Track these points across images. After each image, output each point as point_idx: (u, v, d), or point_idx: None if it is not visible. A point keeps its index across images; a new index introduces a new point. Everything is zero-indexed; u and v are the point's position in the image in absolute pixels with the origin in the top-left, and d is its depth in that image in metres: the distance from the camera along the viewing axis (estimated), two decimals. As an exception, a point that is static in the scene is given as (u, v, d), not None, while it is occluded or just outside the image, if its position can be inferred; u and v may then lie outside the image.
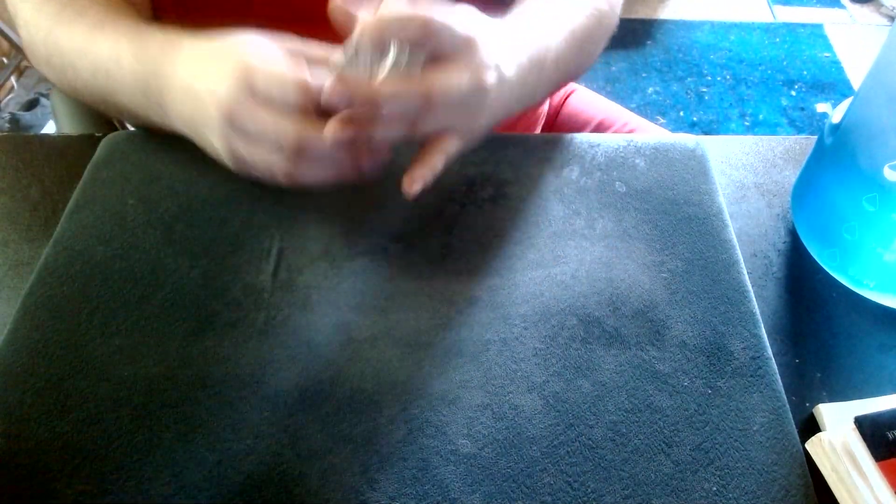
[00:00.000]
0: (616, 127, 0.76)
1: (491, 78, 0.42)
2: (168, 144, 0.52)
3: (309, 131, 0.39)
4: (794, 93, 1.93)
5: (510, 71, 0.44)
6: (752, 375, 0.40)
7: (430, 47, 0.40)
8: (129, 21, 0.49)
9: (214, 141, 0.42)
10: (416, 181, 0.43)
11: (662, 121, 1.85)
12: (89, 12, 0.50)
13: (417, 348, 0.41)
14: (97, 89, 0.50)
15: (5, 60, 1.81)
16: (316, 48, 0.43)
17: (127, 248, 0.46)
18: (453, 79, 0.40)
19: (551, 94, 0.51)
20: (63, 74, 0.52)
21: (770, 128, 1.82)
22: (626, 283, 0.45)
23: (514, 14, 0.50)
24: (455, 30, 0.40)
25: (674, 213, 0.49)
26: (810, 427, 0.39)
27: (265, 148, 0.40)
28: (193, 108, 0.42)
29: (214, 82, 0.40)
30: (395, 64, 0.40)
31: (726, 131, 1.81)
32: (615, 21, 0.58)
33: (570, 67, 0.53)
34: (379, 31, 0.39)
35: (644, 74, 1.99)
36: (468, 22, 0.42)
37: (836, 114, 0.46)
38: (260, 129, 0.39)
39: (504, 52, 0.44)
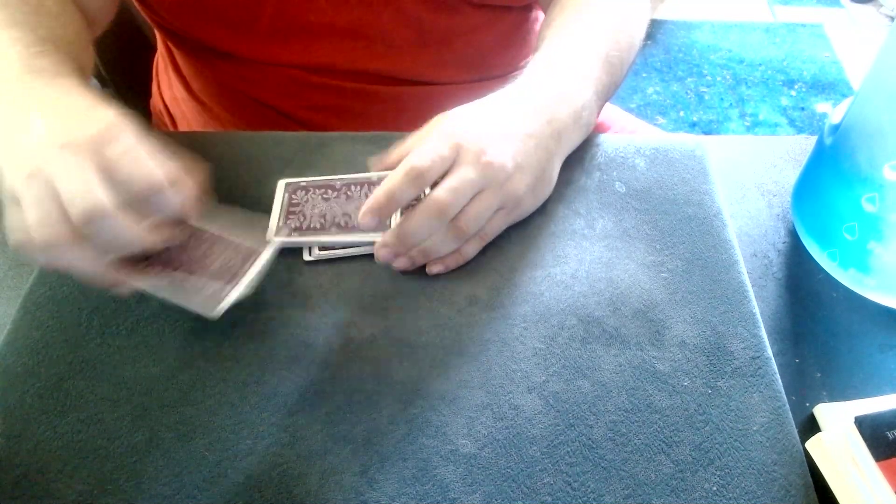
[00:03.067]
0: (614, 130, 0.76)
1: (491, 154, 0.43)
2: (166, 144, 0.52)
3: (115, 211, 0.35)
4: (794, 93, 1.93)
5: (520, 127, 0.45)
6: (752, 375, 0.40)
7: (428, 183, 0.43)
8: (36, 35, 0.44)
9: (49, 162, 0.36)
10: (437, 265, 0.45)
11: (662, 121, 1.85)
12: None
13: (417, 348, 0.41)
14: None
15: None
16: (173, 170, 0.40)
17: (127, 248, 0.46)
18: (452, 182, 0.42)
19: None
20: None
21: (770, 128, 1.82)
22: (626, 283, 0.45)
23: (548, 56, 0.50)
24: (439, 152, 0.42)
25: (673, 213, 0.49)
26: (810, 427, 0.39)
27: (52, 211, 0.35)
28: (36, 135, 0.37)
29: (107, 109, 0.38)
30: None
31: (726, 131, 1.81)
32: (642, 38, 0.58)
33: (608, 96, 0.53)
34: (386, 214, 0.43)
35: (644, 74, 1.99)
36: (445, 132, 0.44)
37: (836, 114, 0.46)
38: (76, 188, 0.35)
39: (502, 119, 0.46)
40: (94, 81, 0.77)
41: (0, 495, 0.35)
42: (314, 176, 0.49)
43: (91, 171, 0.35)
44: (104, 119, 0.37)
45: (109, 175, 0.36)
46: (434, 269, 0.45)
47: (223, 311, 0.40)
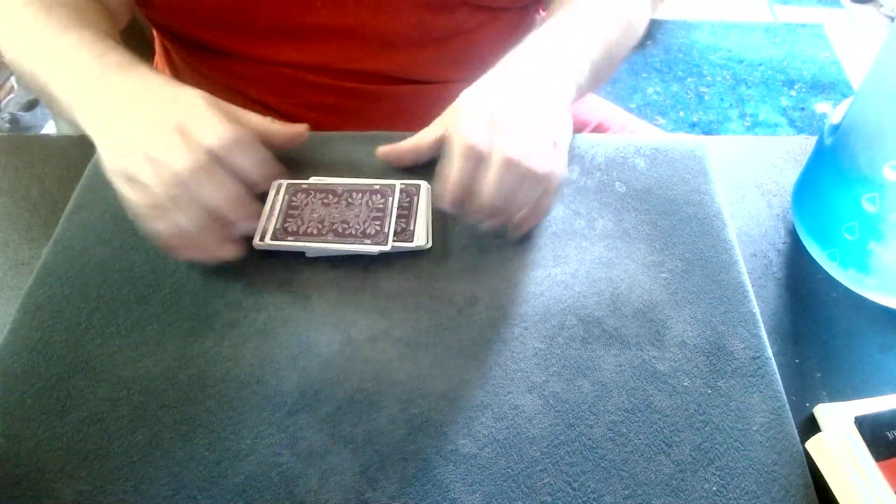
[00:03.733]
0: (614, 130, 0.76)
1: (520, 103, 0.43)
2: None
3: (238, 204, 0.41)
4: (794, 93, 1.93)
5: (525, 97, 0.45)
6: (752, 375, 0.40)
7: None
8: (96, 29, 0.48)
9: (148, 142, 0.40)
10: (522, 226, 0.46)
11: (662, 121, 1.85)
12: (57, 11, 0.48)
13: (417, 348, 0.41)
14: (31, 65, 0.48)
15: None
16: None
17: (127, 249, 0.46)
18: (506, 136, 0.42)
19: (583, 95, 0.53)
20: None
21: (770, 128, 1.82)
22: (626, 283, 0.45)
23: (548, 29, 0.51)
24: (480, 124, 0.43)
25: (673, 213, 0.49)
26: (810, 427, 0.39)
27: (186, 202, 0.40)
28: (149, 116, 0.42)
29: (189, 91, 0.43)
30: None
31: (726, 131, 1.81)
32: (643, 26, 0.59)
33: (603, 75, 0.54)
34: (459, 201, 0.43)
35: (644, 74, 1.99)
36: (474, 107, 0.44)
37: (836, 114, 0.46)
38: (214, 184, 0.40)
39: (511, 76, 0.46)
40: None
41: (0, 495, 0.35)
42: (314, 176, 0.49)
43: (179, 139, 0.40)
44: (190, 98, 0.42)
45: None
46: (522, 230, 0.46)
47: (392, 244, 0.44)
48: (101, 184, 0.51)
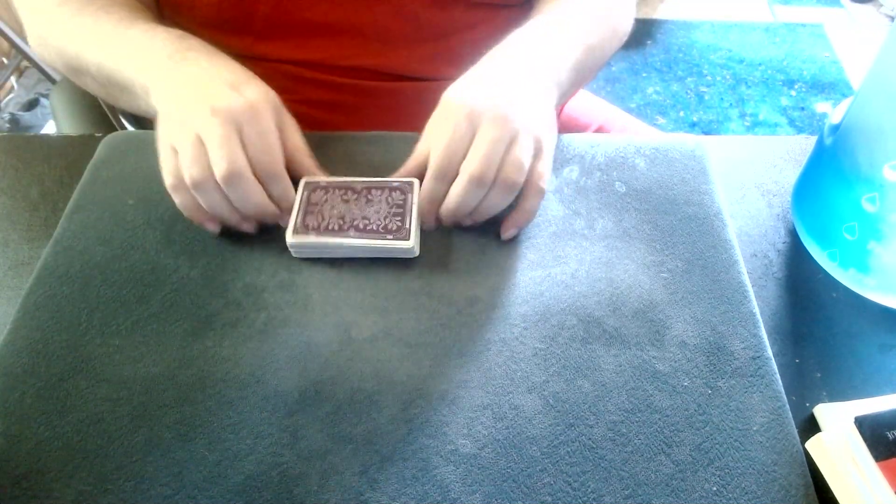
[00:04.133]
0: (614, 130, 0.76)
1: (505, 107, 0.44)
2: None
3: (249, 176, 0.43)
4: (794, 93, 1.93)
5: (517, 76, 0.47)
6: (752, 375, 0.40)
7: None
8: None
9: (202, 124, 0.43)
10: (510, 228, 0.47)
11: (662, 121, 1.85)
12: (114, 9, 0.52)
13: (417, 348, 0.41)
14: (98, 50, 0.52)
15: (5, 60, 1.80)
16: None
17: (127, 248, 0.46)
18: (479, 148, 0.44)
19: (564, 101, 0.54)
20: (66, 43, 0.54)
21: (770, 128, 1.82)
22: (626, 283, 0.45)
23: (531, 27, 0.52)
24: (456, 129, 0.44)
25: (673, 213, 0.49)
26: (810, 427, 0.39)
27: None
28: (212, 83, 0.45)
29: (255, 86, 0.46)
30: None
31: (726, 131, 1.81)
32: (627, 30, 0.60)
33: (585, 77, 0.55)
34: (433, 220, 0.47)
35: (644, 74, 1.99)
36: (453, 108, 0.45)
37: (836, 114, 0.46)
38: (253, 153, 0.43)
39: (498, 74, 0.47)
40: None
41: (0, 495, 0.35)
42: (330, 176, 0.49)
43: (234, 137, 0.42)
44: (250, 96, 0.44)
45: (244, 148, 0.43)
46: (509, 234, 0.47)
47: (418, 245, 0.46)
48: (101, 184, 0.51)
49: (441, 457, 0.37)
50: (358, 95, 0.64)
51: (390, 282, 0.45)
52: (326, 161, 0.52)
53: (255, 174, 0.43)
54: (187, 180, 0.42)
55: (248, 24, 0.58)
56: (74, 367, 0.40)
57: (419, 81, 0.65)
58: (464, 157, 0.44)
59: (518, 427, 0.38)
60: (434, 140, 0.46)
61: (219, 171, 0.41)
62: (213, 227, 0.46)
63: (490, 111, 0.44)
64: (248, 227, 0.47)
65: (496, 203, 0.45)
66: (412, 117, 0.49)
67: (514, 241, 0.47)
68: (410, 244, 0.45)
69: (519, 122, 0.44)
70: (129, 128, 0.82)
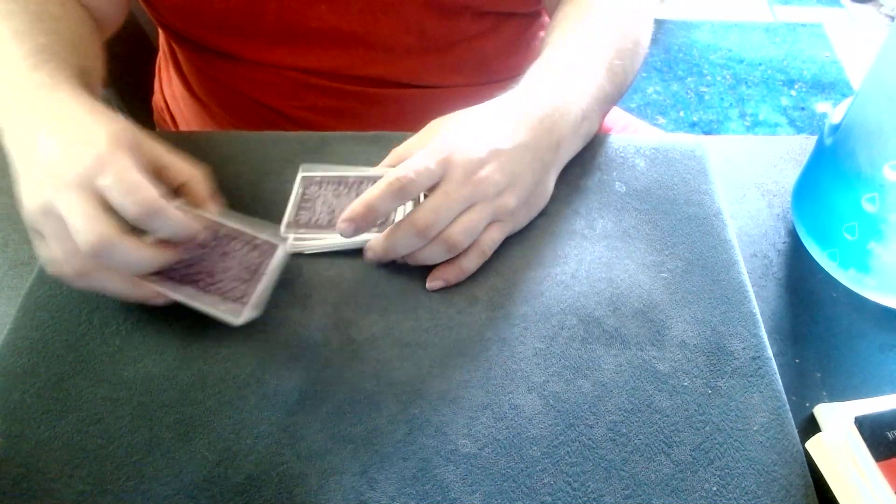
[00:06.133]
0: (614, 130, 0.76)
1: (483, 171, 0.43)
2: (167, 144, 0.52)
3: (120, 238, 0.36)
4: (794, 93, 1.93)
5: (517, 138, 0.45)
6: (752, 375, 0.40)
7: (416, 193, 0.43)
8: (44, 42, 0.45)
9: (56, 203, 0.37)
10: (436, 280, 0.44)
11: (662, 121, 1.85)
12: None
13: (417, 348, 0.41)
14: None
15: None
16: (179, 164, 0.43)
17: (127, 248, 0.46)
18: (435, 200, 0.42)
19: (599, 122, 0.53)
20: None
21: (770, 128, 1.82)
22: (626, 283, 0.45)
23: (549, 56, 0.50)
24: (426, 164, 0.42)
25: (673, 213, 0.49)
26: (810, 427, 0.39)
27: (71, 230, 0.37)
28: (70, 141, 0.39)
29: (104, 130, 0.39)
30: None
31: (726, 131, 1.81)
32: (648, 43, 0.57)
33: (613, 102, 0.53)
34: (364, 224, 0.42)
35: (644, 74, 1.99)
36: (438, 145, 0.44)
37: (836, 114, 0.46)
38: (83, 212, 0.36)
39: (498, 130, 0.45)
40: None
41: (0, 495, 0.35)
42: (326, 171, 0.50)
43: (93, 204, 0.36)
44: (95, 149, 0.38)
45: (109, 204, 0.37)
46: (434, 284, 0.44)
47: (247, 317, 0.41)
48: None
49: (441, 457, 0.37)
50: (363, 103, 0.64)
51: (390, 282, 0.45)
52: (326, 161, 0.52)
53: (133, 223, 0.37)
54: (66, 269, 0.38)
55: (255, 31, 0.58)
56: (74, 367, 0.40)
57: (425, 89, 0.65)
58: (417, 193, 0.42)
59: (518, 427, 0.38)
60: (402, 154, 0.45)
61: (83, 249, 0.36)
62: (158, 301, 0.41)
63: (466, 167, 0.42)
64: (157, 301, 0.41)
65: (431, 256, 0.44)
66: (418, 123, 0.49)
67: (513, 241, 0.47)
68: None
69: (491, 185, 0.43)
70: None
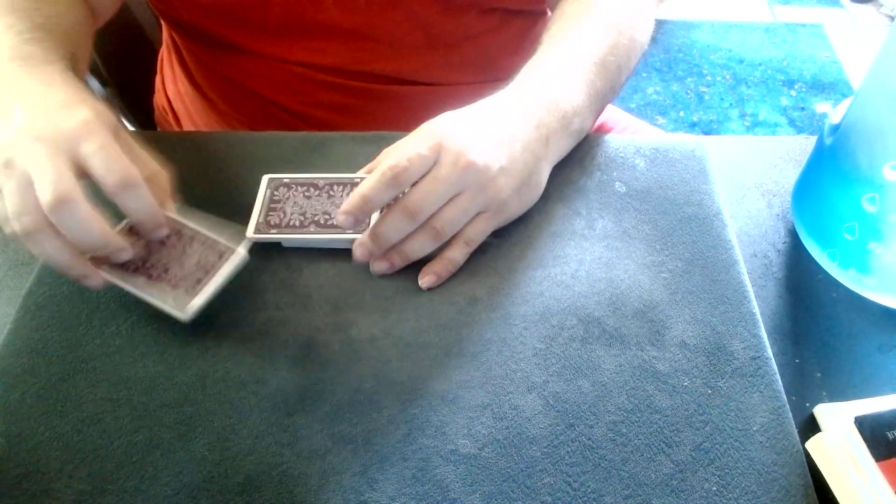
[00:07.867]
0: (616, 130, 0.76)
1: (473, 155, 0.43)
2: (167, 144, 0.52)
3: (82, 201, 0.36)
4: (794, 93, 1.93)
5: (506, 129, 0.45)
6: (752, 375, 0.40)
7: (408, 182, 0.43)
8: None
9: (25, 157, 0.37)
10: (427, 276, 0.44)
11: (662, 121, 1.85)
12: None
13: (417, 348, 0.41)
14: None
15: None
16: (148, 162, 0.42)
17: (127, 248, 0.46)
18: (427, 183, 0.42)
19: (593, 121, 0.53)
20: None
21: (770, 128, 1.82)
22: (626, 283, 0.45)
23: (547, 55, 0.50)
24: (418, 151, 0.42)
25: (673, 213, 0.49)
26: (810, 427, 0.39)
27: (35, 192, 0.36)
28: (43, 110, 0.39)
29: (88, 107, 0.39)
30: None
31: (726, 131, 1.81)
32: (647, 41, 0.57)
33: (607, 101, 0.53)
34: (362, 216, 0.43)
35: (644, 74, 1.99)
36: (428, 133, 0.44)
37: (835, 114, 0.46)
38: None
39: (487, 119, 0.45)
40: (95, 83, 0.77)
41: (0, 495, 0.35)
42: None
43: (63, 162, 0.36)
44: (82, 115, 0.38)
45: (83, 170, 0.37)
46: (425, 280, 0.44)
47: (194, 312, 0.40)
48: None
49: (441, 457, 0.37)
50: (369, 99, 0.64)
51: (390, 282, 0.45)
52: (327, 161, 0.52)
53: (108, 194, 0.37)
54: (15, 225, 0.37)
55: (261, 23, 0.58)
56: (74, 367, 0.40)
57: (430, 86, 0.65)
58: (411, 181, 0.42)
59: (518, 427, 0.38)
60: (393, 150, 0.45)
61: (44, 200, 0.35)
62: (94, 283, 0.40)
63: (456, 152, 0.43)
64: (94, 282, 0.40)
65: (419, 246, 0.44)
66: (422, 120, 0.49)
67: (513, 241, 0.47)
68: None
69: (481, 174, 0.43)
70: (130, 128, 0.82)
